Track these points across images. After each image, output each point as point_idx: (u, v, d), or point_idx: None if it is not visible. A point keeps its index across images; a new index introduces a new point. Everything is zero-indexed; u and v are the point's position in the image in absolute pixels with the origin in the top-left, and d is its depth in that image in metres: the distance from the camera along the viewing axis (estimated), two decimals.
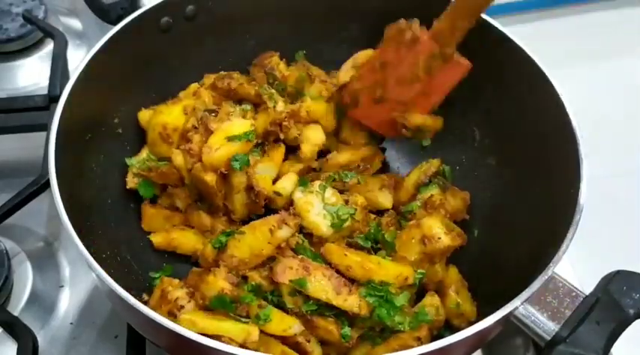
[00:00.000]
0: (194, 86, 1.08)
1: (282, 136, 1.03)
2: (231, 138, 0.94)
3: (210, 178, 0.93)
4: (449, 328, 0.91)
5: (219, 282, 0.85)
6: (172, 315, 0.84)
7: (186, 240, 0.99)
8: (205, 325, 0.79)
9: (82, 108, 0.90)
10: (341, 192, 0.99)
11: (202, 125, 0.98)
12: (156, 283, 0.92)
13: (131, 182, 1.00)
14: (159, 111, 1.00)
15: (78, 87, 0.89)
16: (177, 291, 0.86)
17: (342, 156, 1.05)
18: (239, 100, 1.06)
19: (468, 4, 0.91)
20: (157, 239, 0.99)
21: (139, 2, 1.25)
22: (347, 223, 0.93)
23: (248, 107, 1.05)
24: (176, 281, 0.89)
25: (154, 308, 0.83)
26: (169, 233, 1.00)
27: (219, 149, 0.94)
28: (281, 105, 1.04)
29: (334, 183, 1.00)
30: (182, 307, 0.85)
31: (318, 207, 0.93)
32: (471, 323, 0.89)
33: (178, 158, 0.97)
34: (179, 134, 0.98)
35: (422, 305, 0.89)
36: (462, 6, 0.91)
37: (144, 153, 1.02)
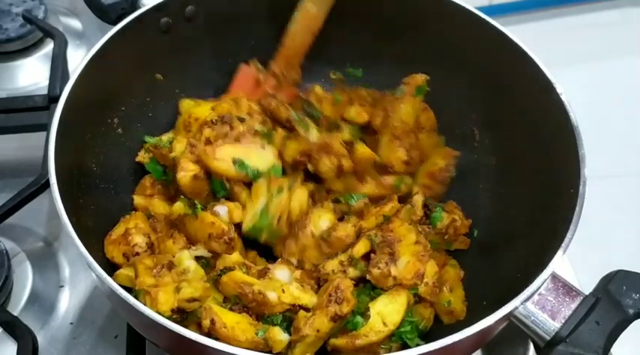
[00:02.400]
0: (237, 94, 1.07)
1: (311, 169, 0.97)
2: (240, 165, 0.92)
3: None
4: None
5: (174, 250, 0.87)
6: (125, 258, 0.88)
7: (162, 208, 0.98)
8: (140, 281, 0.82)
9: (81, 108, 0.90)
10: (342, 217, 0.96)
11: (223, 123, 0.96)
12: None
13: (141, 156, 1.02)
14: (197, 102, 1.04)
15: (77, 87, 0.89)
16: (137, 237, 0.89)
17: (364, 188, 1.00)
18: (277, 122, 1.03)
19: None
20: (138, 200, 1.00)
21: (139, 3, 1.25)
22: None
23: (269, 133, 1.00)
24: (142, 224, 0.91)
25: (113, 243, 0.89)
26: (152, 199, 0.99)
27: (221, 161, 0.92)
28: (314, 134, 1.00)
29: (338, 205, 0.97)
30: (137, 254, 0.88)
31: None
32: (460, 322, 0.91)
33: (178, 145, 0.96)
34: (198, 125, 0.98)
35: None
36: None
37: (165, 136, 1.03)
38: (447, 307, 0.91)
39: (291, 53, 1.08)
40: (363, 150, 0.99)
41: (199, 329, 0.82)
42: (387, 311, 0.83)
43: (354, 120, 1.05)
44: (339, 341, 0.81)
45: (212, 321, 0.79)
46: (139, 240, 0.89)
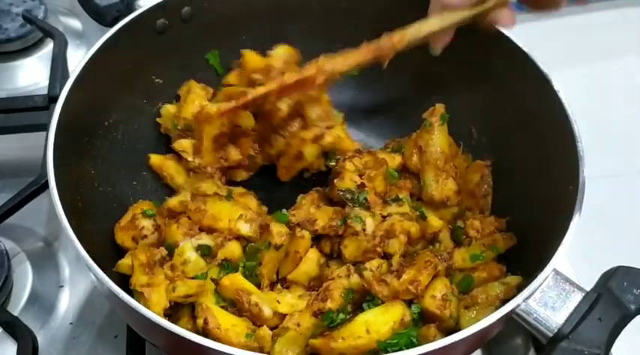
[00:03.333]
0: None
1: (382, 292, 0.85)
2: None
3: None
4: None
5: (178, 235, 0.89)
6: (135, 241, 0.92)
7: (177, 174, 1.04)
8: (134, 279, 0.84)
9: (80, 109, 0.90)
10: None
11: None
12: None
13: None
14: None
15: (76, 88, 0.89)
16: (144, 221, 0.93)
17: None
18: None
19: None
20: (154, 159, 1.05)
21: (135, 4, 1.25)
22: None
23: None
24: (149, 209, 0.94)
25: (123, 229, 0.93)
26: (167, 159, 1.04)
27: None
28: (370, 224, 0.90)
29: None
30: (145, 236, 0.92)
31: None
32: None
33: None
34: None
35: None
36: None
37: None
38: (455, 326, 0.86)
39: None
40: (435, 223, 0.95)
41: (192, 320, 0.84)
42: (374, 321, 0.80)
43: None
44: (317, 342, 0.79)
45: (205, 321, 0.80)
46: (145, 223, 0.93)
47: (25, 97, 1.18)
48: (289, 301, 0.87)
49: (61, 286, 1.01)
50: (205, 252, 0.89)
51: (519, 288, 0.78)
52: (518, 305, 0.73)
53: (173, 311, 0.86)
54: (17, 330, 0.89)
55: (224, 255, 0.89)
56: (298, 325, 0.82)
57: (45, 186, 1.00)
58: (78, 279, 1.02)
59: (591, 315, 0.72)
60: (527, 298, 0.73)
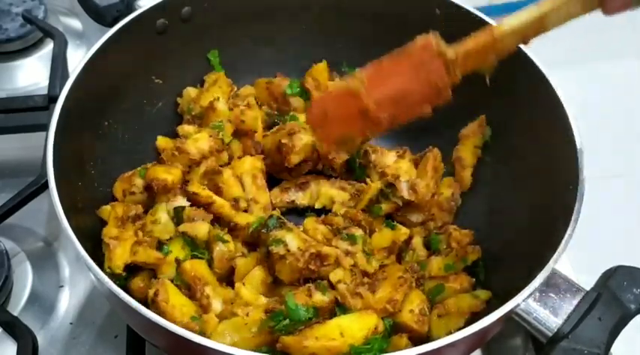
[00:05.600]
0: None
1: (357, 305, 0.85)
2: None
3: None
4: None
5: (161, 213, 0.93)
6: (123, 194, 0.97)
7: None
8: (105, 230, 0.88)
9: (79, 110, 0.90)
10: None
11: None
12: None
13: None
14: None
15: (76, 88, 0.89)
16: (138, 179, 0.97)
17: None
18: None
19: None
20: (160, 141, 1.05)
21: (134, 4, 1.25)
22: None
23: None
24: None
25: (122, 180, 0.98)
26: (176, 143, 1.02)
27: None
28: (291, 240, 0.87)
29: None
30: (133, 193, 0.96)
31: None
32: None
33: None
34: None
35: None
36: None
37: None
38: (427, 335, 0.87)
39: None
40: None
41: (144, 283, 0.88)
42: (349, 326, 0.80)
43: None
44: (289, 339, 0.78)
45: (156, 292, 0.82)
46: (137, 182, 0.97)
47: (25, 97, 1.18)
48: (244, 295, 0.87)
49: (61, 286, 1.01)
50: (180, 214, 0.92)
51: (488, 302, 0.83)
52: (518, 305, 0.73)
53: (134, 270, 0.89)
54: (17, 330, 0.89)
55: (191, 231, 0.91)
56: (247, 315, 0.82)
57: (45, 186, 0.99)
58: (78, 279, 1.02)
59: (591, 315, 0.72)
60: (527, 298, 0.73)
